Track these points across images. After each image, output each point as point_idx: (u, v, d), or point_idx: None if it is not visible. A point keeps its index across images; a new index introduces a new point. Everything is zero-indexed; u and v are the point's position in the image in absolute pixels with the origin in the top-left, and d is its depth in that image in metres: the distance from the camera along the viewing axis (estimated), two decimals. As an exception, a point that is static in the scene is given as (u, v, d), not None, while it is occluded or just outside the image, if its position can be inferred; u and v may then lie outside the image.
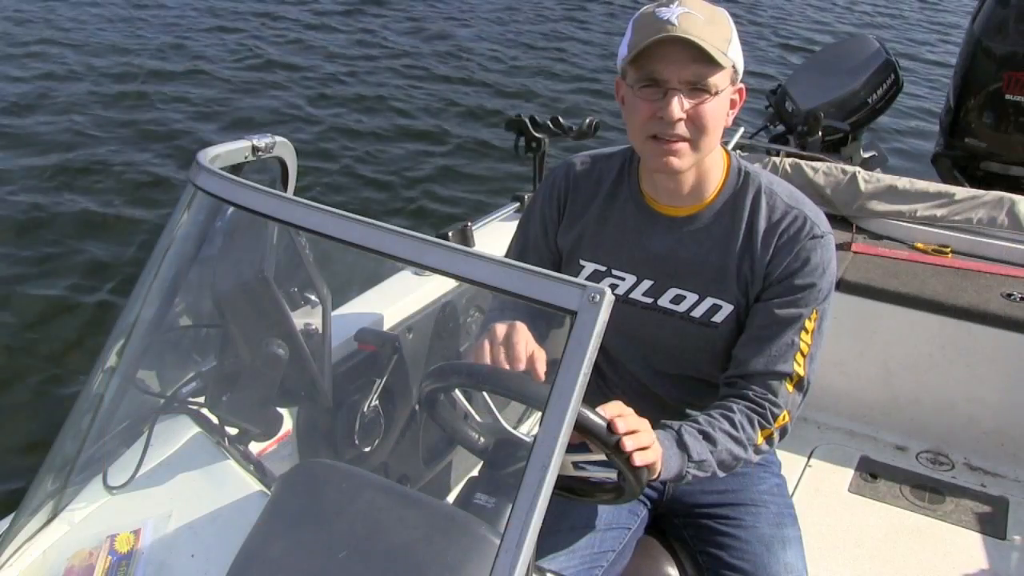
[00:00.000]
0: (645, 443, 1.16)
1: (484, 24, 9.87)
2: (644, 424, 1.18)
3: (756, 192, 1.46)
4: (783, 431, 1.44)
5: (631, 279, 1.52)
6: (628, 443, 1.13)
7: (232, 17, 9.24)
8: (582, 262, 1.56)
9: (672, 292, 1.49)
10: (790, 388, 1.42)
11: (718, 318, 1.47)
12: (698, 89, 1.32)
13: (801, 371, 1.42)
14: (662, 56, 1.30)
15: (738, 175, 1.48)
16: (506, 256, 1.60)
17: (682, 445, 1.30)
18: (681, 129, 1.33)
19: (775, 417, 1.41)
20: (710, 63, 1.30)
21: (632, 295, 1.52)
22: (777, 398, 1.41)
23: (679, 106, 1.31)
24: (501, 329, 1.28)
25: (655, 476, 1.23)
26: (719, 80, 1.32)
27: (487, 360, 1.26)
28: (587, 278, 1.53)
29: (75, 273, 4.47)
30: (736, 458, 1.38)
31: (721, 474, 1.37)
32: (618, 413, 1.14)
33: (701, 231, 1.47)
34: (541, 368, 1.26)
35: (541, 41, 9.35)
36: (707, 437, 1.34)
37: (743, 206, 1.45)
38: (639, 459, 1.15)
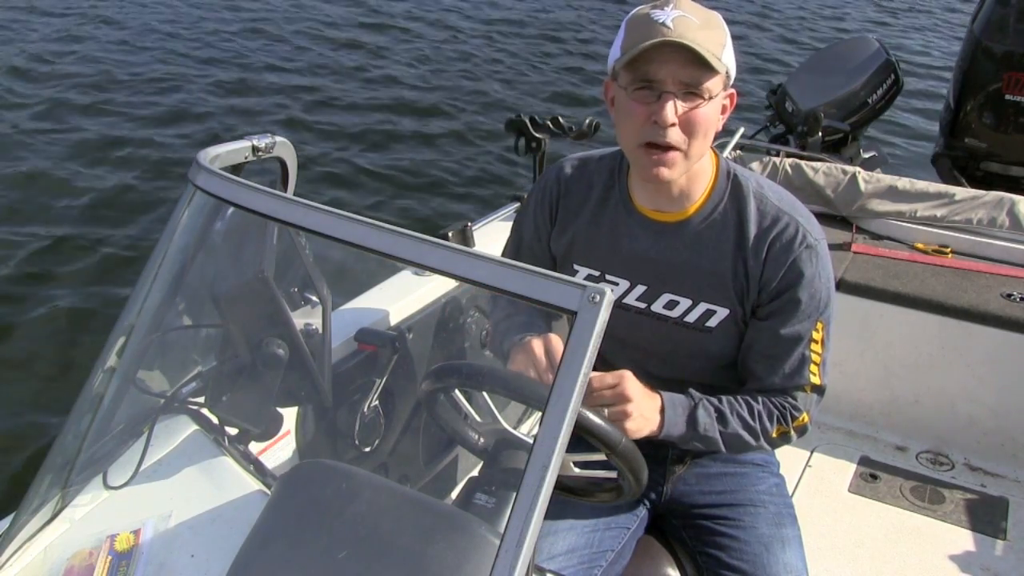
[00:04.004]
0: (625, 413, 1.28)
1: (482, 24, 9.87)
2: (630, 393, 1.28)
3: (746, 195, 1.45)
4: (802, 430, 1.51)
5: (624, 284, 1.51)
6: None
7: (233, 18, 9.24)
8: (576, 267, 1.55)
9: (666, 297, 1.49)
10: (808, 392, 1.48)
11: (712, 322, 1.48)
12: (692, 93, 1.31)
13: (817, 380, 1.48)
14: (657, 58, 1.29)
15: (727, 178, 1.47)
16: None
17: (692, 415, 1.40)
18: (674, 135, 1.31)
19: (795, 419, 1.48)
20: (705, 68, 1.28)
21: (626, 300, 1.51)
22: (797, 403, 1.48)
23: (673, 110, 1.30)
24: (538, 345, 1.36)
25: (654, 435, 1.35)
26: (713, 85, 1.32)
27: (532, 375, 1.34)
28: None
29: (74, 272, 4.47)
30: (745, 443, 1.45)
31: (725, 451, 1.47)
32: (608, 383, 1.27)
33: (692, 236, 1.46)
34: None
35: (541, 40, 9.35)
36: (720, 416, 1.42)
37: (732, 210, 1.45)
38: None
